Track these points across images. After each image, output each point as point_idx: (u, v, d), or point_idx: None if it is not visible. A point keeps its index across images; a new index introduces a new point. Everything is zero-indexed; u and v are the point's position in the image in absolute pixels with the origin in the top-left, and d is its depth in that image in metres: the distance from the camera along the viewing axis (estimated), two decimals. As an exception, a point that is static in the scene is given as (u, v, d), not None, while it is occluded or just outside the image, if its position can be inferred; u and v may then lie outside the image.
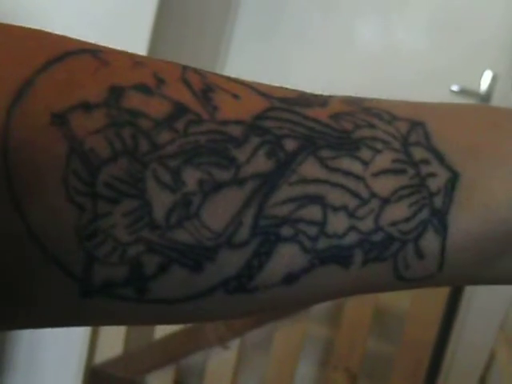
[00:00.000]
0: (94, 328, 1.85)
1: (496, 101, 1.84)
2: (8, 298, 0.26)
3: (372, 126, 0.28)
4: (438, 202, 0.28)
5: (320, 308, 1.82)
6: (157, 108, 0.26)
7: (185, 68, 0.28)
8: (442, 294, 1.66)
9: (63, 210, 0.24)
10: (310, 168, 0.27)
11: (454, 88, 1.86)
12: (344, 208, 0.27)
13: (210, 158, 0.26)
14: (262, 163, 0.26)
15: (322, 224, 0.27)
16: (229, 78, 0.29)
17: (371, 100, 0.30)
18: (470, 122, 0.29)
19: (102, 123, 0.25)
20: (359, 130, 0.28)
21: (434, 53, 1.91)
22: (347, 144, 0.27)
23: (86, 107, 0.25)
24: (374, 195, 0.27)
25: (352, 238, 0.27)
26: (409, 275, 0.28)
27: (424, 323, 1.64)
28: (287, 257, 0.27)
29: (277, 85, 0.30)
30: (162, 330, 1.75)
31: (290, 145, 0.27)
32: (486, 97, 1.86)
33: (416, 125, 0.28)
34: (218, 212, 0.26)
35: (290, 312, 1.64)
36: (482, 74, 1.86)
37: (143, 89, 0.26)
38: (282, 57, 2.02)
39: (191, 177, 0.25)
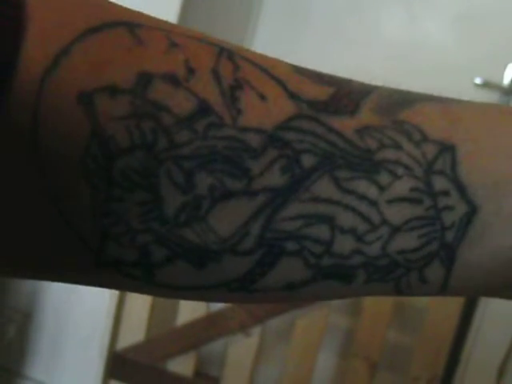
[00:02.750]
0: (117, 314, 1.86)
1: (519, 94, 1.84)
2: (27, 256, 0.27)
3: (398, 147, 0.27)
4: (449, 236, 0.27)
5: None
6: (181, 104, 0.25)
7: (220, 53, 0.27)
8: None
9: (80, 186, 0.25)
10: (324, 187, 0.26)
11: (477, 81, 1.85)
12: (353, 231, 0.27)
13: (224, 165, 0.26)
14: (275, 178, 0.26)
15: (328, 243, 0.27)
16: (262, 68, 0.28)
17: (409, 107, 0.28)
18: (508, 149, 0.27)
19: (125, 111, 0.25)
20: (383, 151, 0.27)
21: (458, 45, 1.91)
22: (367, 165, 0.26)
23: (113, 91, 0.25)
24: (385, 222, 0.27)
25: (357, 260, 0.27)
26: (410, 293, 0.29)
27: (444, 314, 1.63)
28: (289, 270, 0.27)
29: (311, 68, 0.29)
30: (183, 317, 1.76)
31: (307, 161, 0.26)
32: (509, 90, 1.85)
33: (445, 150, 0.27)
34: (226, 219, 0.26)
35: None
36: (505, 67, 1.86)
37: (171, 79, 0.26)
38: (307, 40, 2.02)
39: (203, 181, 0.26)
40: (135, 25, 0.26)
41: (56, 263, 0.28)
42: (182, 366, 1.78)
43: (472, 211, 0.27)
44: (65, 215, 0.26)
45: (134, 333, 1.82)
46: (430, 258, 0.27)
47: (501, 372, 1.67)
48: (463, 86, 1.87)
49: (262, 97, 0.27)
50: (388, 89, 0.29)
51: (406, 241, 0.27)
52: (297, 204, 0.26)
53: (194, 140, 0.25)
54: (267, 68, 0.28)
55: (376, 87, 0.29)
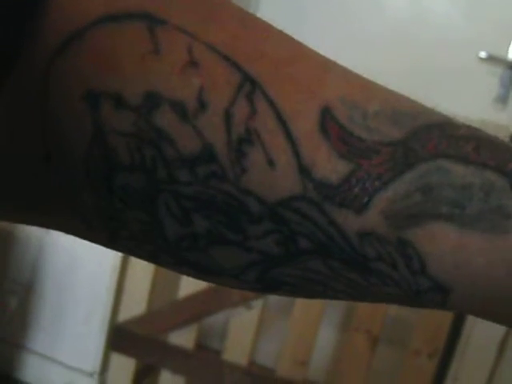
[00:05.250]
0: (118, 287, 1.87)
1: (524, 69, 1.83)
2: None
3: (394, 267, 0.25)
4: None
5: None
6: (185, 141, 0.24)
7: (240, 88, 0.25)
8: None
9: (83, 184, 0.25)
10: (317, 266, 0.26)
11: (482, 55, 1.84)
12: (345, 292, 0.27)
13: (221, 217, 0.25)
14: (269, 246, 0.26)
15: (322, 292, 0.28)
16: (281, 119, 0.25)
17: (423, 224, 0.24)
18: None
19: (128, 129, 0.24)
20: (379, 263, 0.25)
21: (462, 19, 1.90)
22: (361, 267, 0.26)
23: (119, 102, 0.24)
24: (375, 296, 0.27)
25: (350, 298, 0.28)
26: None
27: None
28: (290, 295, 0.29)
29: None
30: (185, 289, 1.76)
31: (302, 243, 0.25)
32: (514, 64, 1.84)
33: (438, 290, 0.25)
34: (224, 259, 0.26)
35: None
36: (510, 42, 1.85)
37: (180, 110, 0.24)
38: (307, 16, 2.01)
39: (201, 223, 0.25)
40: (158, 21, 0.24)
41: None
42: (184, 338, 1.79)
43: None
44: (75, 208, 0.26)
45: (135, 305, 1.83)
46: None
47: (502, 346, 1.67)
48: (468, 60, 1.86)
49: (271, 163, 0.25)
50: (417, 179, 0.24)
51: (393, 302, 0.28)
52: (289, 269, 0.26)
53: (193, 183, 0.25)
54: (287, 119, 0.25)
55: (410, 166, 0.25)
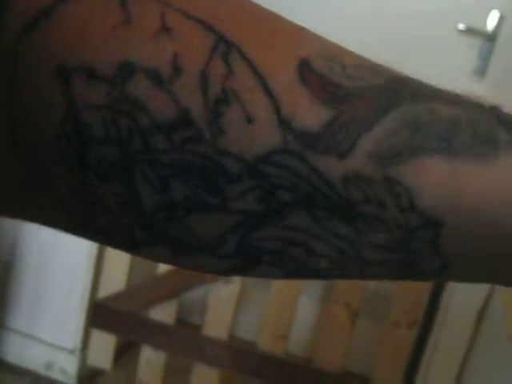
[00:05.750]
0: (97, 263, 1.86)
1: (502, 41, 1.83)
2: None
3: (382, 207, 0.24)
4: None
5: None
6: (161, 108, 0.24)
7: (215, 49, 0.24)
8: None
9: (56, 165, 0.24)
10: (300, 220, 0.25)
11: (461, 27, 1.84)
12: (327, 257, 0.26)
13: (198, 181, 0.25)
14: (250, 204, 0.25)
15: (303, 262, 0.26)
16: (259, 75, 0.24)
17: (412, 157, 0.24)
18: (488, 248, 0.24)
19: (101, 101, 0.24)
20: (366, 205, 0.24)
21: (440, -9, 1.90)
22: (347, 213, 0.25)
23: (92, 75, 0.23)
24: (359, 257, 0.26)
25: (334, 273, 0.27)
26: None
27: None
28: (269, 274, 0.28)
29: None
30: (165, 265, 1.76)
31: (284, 196, 0.25)
32: (493, 37, 1.84)
33: (430, 225, 0.24)
34: (203, 227, 0.26)
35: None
36: (488, 14, 1.84)
37: (155, 77, 0.24)
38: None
39: (179, 190, 0.25)
40: None
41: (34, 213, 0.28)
42: (164, 313, 1.79)
43: (445, 265, 0.25)
44: (51, 187, 0.25)
45: (115, 281, 1.83)
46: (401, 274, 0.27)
47: (479, 317, 1.69)
48: (446, 32, 1.86)
49: (249, 120, 0.24)
50: (402, 118, 0.24)
51: (380, 270, 0.26)
52: (271, 229, 0.25)
53: (169, 150, 0.24)
54: (265, 75, 0.24)
55: (395, 106, 0.24)
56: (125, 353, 1.99)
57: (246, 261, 0.26)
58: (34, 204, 0.27)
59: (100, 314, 1.81)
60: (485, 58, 1.86)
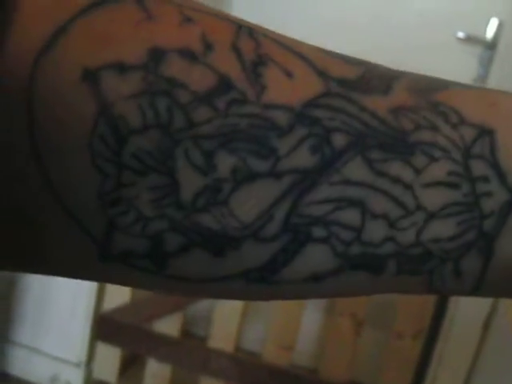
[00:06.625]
0: (102, 277, 1.86)
1: (502, 48, 1.83)
2: (25, 247, 0.25)
3: (434, 129, 0.25)
4: (488, 224, 0.25)
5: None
6: (199, 80, 0.24)
7: (239, 30, 0.25)
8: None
9: (86, 173, 0.23)
10: (355, 169, 0.25)
11: (460, 35, 1.84)
12: (385, 216, 0.25)
13: (248, 144, 0.24)
14: (304, 158, 0.24)
15: (358, 230, 0.25)
16: (285, 46, 0.26)
17: (443, 90, 0.26)
18: None
19: (136, 89, 0.23)
20: (419, 132, 0.25)
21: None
22: (402, 147, 0.25)
23: (121, 68, 0.23)
24: (419, 207, 0.25)
25: (388, 248, 0.25)
26: (442, 289, 0.27)
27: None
28: (315, 258, 0.25)
29: (338, 52, 0.27)
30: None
31: (338, 140, 0.24)
32: (492, 44, 1.84)
33: (484, 133, 0.25)
34: (249, 203, 0.24)
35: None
36: (488, 22, 1.85)
37: (188, 55, 0.24)
38: (287, 2, 2.00)
39: (225, 162, 0.24)
40: None
41: (56, 258, 0.26)
42: (169, 326, 1.79)
43: (510, 200, 0.25)
44: (67, 206, 0.24)
45: (119, 294, 1.83)
46: (467, 248, 0.25)
47: (486, 326, 1.69)
48: (446, 40, 1.86)
49: (288, 74, 0.25)
50: (417, 74, 0.27)
51: (442, 228, 0.25)
52: (326, 187, 0.24)
53: (214, 118, 0.24)
54: (291, 46, 0.26)
55: (404, 72, 0.27)
56: (130, 366, 1.99)
57: (294, 240, 0.25)
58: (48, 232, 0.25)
59: (105, 326, 1.81)
60: (485, 65, 1.86)
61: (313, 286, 0.26)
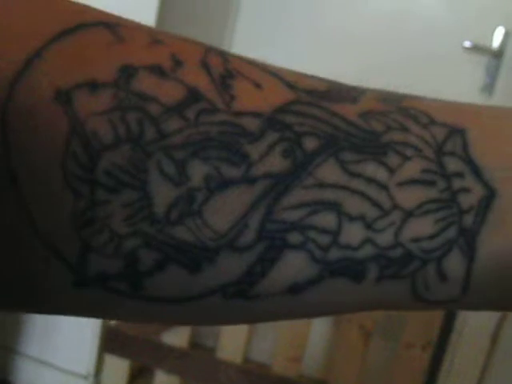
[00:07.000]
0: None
1: (509, 57, 1.83)
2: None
3: (405, 129, 0.25)
4: (468, 220, 0.25)
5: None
6: (169, 93, 0.24)
7: (208, 50, 0.26)
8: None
9: (60, 194, 0.23)
10: (328, 171, 0.24)
11: (466, 44, 1.84)
12: (362, 218, 0.25)
13: (219, 152, 0.24)
14: (276, 162, 0.24)
15: (335, 233, 0.25)
16: (254, 64, 0.26)
17: (409, 98, 0.27)
18: None
19: (107, 105, 0.23)
20: (390, 133, 0.25)
21: (446, 9, 1.89)
22: (374, 147, 0.25)
23: (93, 86, 0.23)
24: (396, 207, 0.25)
25: (367, 251, 0.25)
26: (428, 297, 0.26)
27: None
28: (294, 266, 0.25)
29: (305, 72, 0.27)
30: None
31: (310, 144, 0.24)
32: (499, 53, 1.84)
33: (455, 132, 0.25)
34: (223, 211, 0.24)
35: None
36: (494, 31, 1.84)
37: (157, 71, 0.24)
38: (292, 15, 2.00)
39: (197, 171, 0.24)
40: (115, 24, 0.25)
41: (26, 290, 0.25)
42: (177, 337, 1.79)
43: (491, 194, 0.24)
44: (40, 231, 0.23)
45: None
46: (448, 247, 0.25)
47: (495, 338, 1.68)
48: (452, 49, 1.86)
49: (257, 85, 0.25)
50: (383, 89, 0.28)
51: (421, 226, 0.25)
52: (299, 191, 0.24)
53: (184, 128, 0.24)
54: (259, 64, 0.26)
55: (370, 88, 0.27)
56: (138, 377, 1.99)
57: (270, 247, 0.24)
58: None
59: (113, 338, 1.81)
60: (492, 74, 1.85)
61: (294, 298, 0.25)
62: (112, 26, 0.25)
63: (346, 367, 1.72)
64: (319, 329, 1.91)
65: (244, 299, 0.25)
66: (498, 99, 1.84)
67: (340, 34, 1.95)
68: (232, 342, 1.75)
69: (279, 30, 1.98)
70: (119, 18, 0.26)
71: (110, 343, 1.82)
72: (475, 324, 1.66)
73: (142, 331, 1.78)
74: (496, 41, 1.84)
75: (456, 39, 1.85)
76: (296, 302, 0.26)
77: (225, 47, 2.00)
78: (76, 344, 1.95)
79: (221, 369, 1.72)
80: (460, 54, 1.86)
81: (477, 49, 1.85)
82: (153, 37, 0.25)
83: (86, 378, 1.96)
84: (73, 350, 1.96)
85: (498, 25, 1.84)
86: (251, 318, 0.27)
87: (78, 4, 0.26)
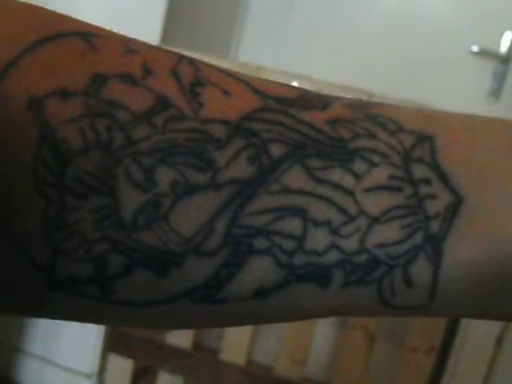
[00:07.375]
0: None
1: (516, 62, 1.83)
2: None
3: (372, 136, 0.25)
4: (434, 226, 0.24)
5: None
6: (138, 100, 0.24)
7: (180, 59, 0.26)
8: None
9: (31, 199, 0.24)
10: (294, 177, 0.25)
11: (474, 49, 1.84)
12: (327, 223, 0.25)
13: (186, 158, 0.24)
14: (242, 169, 0.25)
15: (300, 239, 0.25)
16: (225, 72, 0.27)
17: (379, 105, 0.27)
18: (486, 142, 0.25)
19: (77, 112, 0.24)
20: (357, 140, 0.25)
21: (454, 13, 1.90)
22: (341, 154, 0.25)
23: (65, 94, 0.24)
24: (362, 212, 0.25)
25: (332, 256, 0.25)
26: (395, 303, 0.25)
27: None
28: (259, 270, 0.25)
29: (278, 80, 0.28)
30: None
31: (276, 150, 0.25)
32: (506, 58, 1.84)
33: (423, 139, 0.25)
34: (189, 217, 0.24)
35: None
36: (502, 35, 1.84)
37: (128, 79, 0.25)
38: (298, 17, 2.01)
39: (164, 177, 0.24)
40: (90, 34, 0.26)
41: (6, 294, 0.25)
42: (181, 338, 1.79)
43: (457, 200, 0.24)
44: (13, 236, 0.24)
45: (131, 306, 1.82)
46: (415, 253, 0.25)
47: (499, 343, 1.67)
48: (460, 54, 1.86)
49: (225, 92, 0.26)
50: (353, 98, 0.28)
51: (387, 232, 0.25)
52: (265, 196, 0.25)
53: (152, 135, 0.24)
54: (230, 72, 0.27)
55: (340, 96, 0.28)
56: (142, 378, 1.99)
57: (236, 252, 0.25)
58: None
59: (117, 338, 1.82)
60: (499, 79, 1.86)
61: (261, 302, 0.26)
62: (87, 35, 0.25)
63: (350, 370, 1.72)
64: (323, 331, 1.91)
65: (211, 303, 0.26)
66: (505, 104, 1.84)
67: (348, 36, 1.95)
68: (235, 343, 1.75)
69: (287, 30, 1.98)
70: (96, 28, 0.26)
71: (114, 343, 1.82)
72: (479, 328, 1.66)
73: (145, 331, 1.78)
74: (504, 46, 1.85)
75: (464, 44, 1.86)
76: (263, 306, 0.26)
77: (233, 48, 2.00)
78: (80, 343, 1.95)
79: (224, 370, 1.72)
80: (467, 59, 1.86)
81: (484, 53, 1.85)
82: (126, 46, 0.26)
83: (89, 377, 1.96)
84: (77, 349, 1.96)
85: (506, 29, 1.84)
86: (219, 322, 0.27)
87: (56, 14, 0.26)
